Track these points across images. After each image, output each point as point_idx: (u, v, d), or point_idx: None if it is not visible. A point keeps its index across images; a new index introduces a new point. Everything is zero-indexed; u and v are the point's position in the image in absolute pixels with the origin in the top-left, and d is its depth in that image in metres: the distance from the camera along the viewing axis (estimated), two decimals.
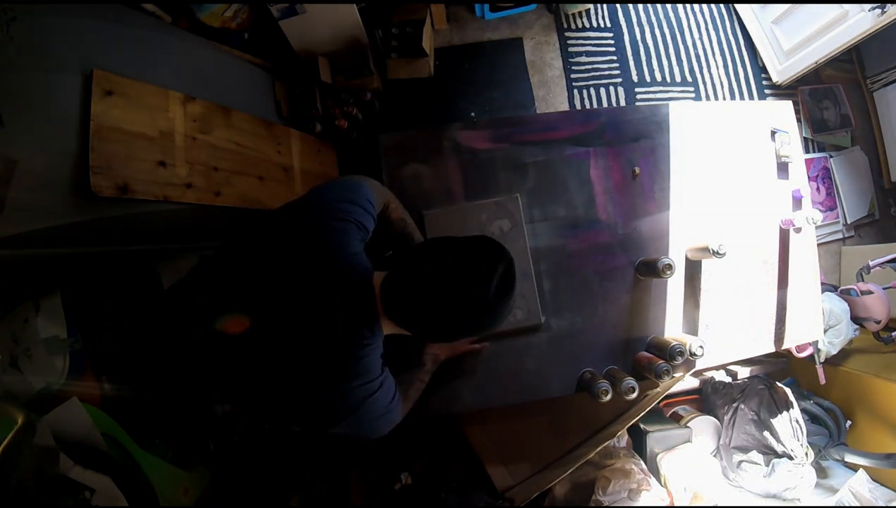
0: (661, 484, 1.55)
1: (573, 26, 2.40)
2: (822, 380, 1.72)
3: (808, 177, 2.21)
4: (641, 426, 1.66)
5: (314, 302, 0.80)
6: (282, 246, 0.83)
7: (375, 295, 0.81)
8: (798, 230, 1.37)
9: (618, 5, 2.42)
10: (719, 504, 1.53)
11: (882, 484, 1.61)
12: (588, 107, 2.31)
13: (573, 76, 2.35)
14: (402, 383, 0.99)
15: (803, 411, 1.72)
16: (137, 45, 1.39)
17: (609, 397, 1.14)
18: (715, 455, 1.75)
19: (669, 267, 1.17)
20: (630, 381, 1.13)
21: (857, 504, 1.54)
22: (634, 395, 1.13)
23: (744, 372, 1.89)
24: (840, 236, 2.44)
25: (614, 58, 2.38)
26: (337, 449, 1.59)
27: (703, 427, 1.75)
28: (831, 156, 2.43)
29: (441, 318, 0.77)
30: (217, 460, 1.50)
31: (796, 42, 2.22)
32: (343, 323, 0.79)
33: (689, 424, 1.72)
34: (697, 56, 2.42)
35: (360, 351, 0.80)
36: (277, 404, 0.92)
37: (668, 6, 2.44)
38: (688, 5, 2.46)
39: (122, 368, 1.41)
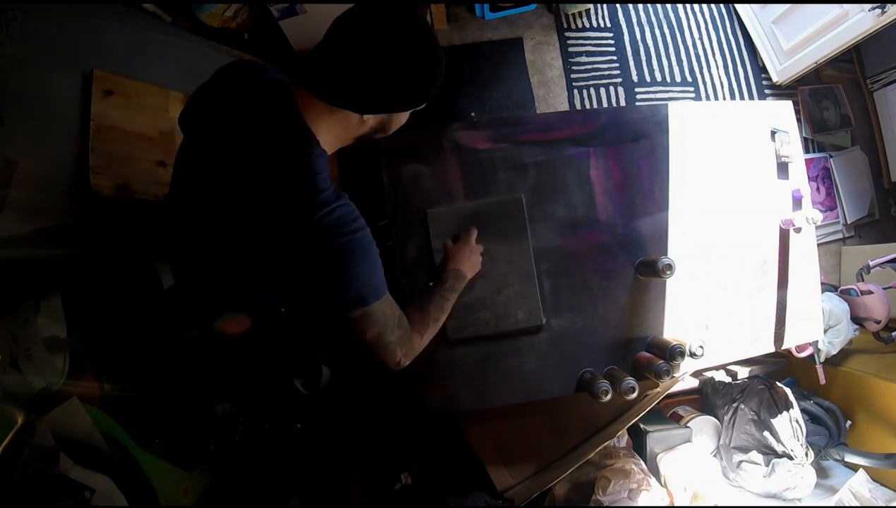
0: (661, 484, 1.55)
1: (573, 26, 2.40)
2: (822, 380, 1.72)
3: (808, 177, 2.21)
4: (641, 426, 1.66)
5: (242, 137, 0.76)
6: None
7: (294, 98, 0.76)
8: (798, 230, 1.37)
9: (618, 5, 2.42)
10: (719, 504, 1.53)
11: (882, 484, 1.61)
12: (588, 107, 2.31)
13: (573, 76, 2.35)
14: (416, 302, 0.95)
15: (803, 411, 1.72)
16: (137, 45, 1.40)
17: (609, 397, 1.14)
18: (715, 455, 1.75)
19: (669, 267, 1.17)
20: (630, 381, 1.13)
21: (857, 504, 1.54)
22: (634, 395, 1.13)
23: (744, 372, 1.89)
24: (840, 236, 2.44)
25: (614, 58, 2.38)
26: (337, 449, 1.59)
27: (703, 427, 1.75)
28: (831, 156, 2.43)
29: (383, 64, 0.70)
30: (217, 460, 1.49)
31: (796, 42, 2.22)
32: (273, 143, 0.75)
33: (689, 424, 1.72)
34: (697, 56, 2.42)
35: (311, 164, 0.75)
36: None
37: (668, 6, 2.44)
38: (688, 5, 2.45)
39: (122, 368, 1.41)
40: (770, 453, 1.63)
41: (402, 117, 0.88)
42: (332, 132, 0.79)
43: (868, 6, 1.85)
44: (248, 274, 0.83)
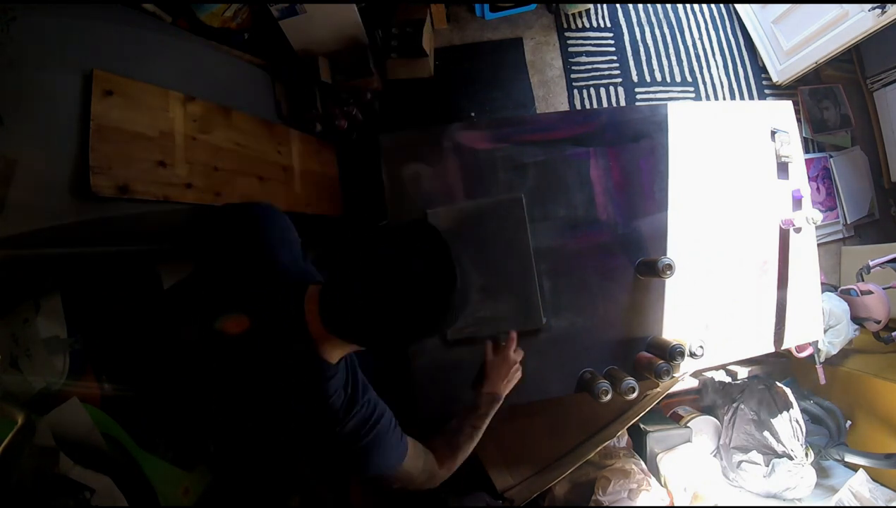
0: (661, 484, 1.55)
1: (573, 26, 2.39)
2: (822, 380, 1.72)
3: (808, 177, 2.21)
4: (641, 426, 1.66)
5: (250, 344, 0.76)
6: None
7: (306, 318, 0.73)
8: (798, 230, 1.37)
9: (618, 5, 2.42)
10: (719, 504, 1.53)
11: (882, 484, 1.61)
12: (588, 107, 2.31)
13: (573, 76, 2.35)
14: (446, 433, 0.94)
15: (803, 411, 1.72)
16: (137, 45, 1.39)
17: (609, 397, 1.14)
18: (715, 455, 1.75)
19: (669, 267, 1.17)
20: (630, 381, 1.13)
21: (857, 504, 1.54)
22: (634, 395, 1.13)
23: (744, 372, 1.89)
24: (840, 236, 2.44)
25: (614, 58, 2.38)
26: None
27: (703, 427, 1.75)
28: (831, 156, 2.43)
29: (381, 318, 0.68)
30: (217, 460, 1.49)
31: (796, 42, 2.22)
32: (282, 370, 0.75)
33: (689, 424, 1.72)
34: (697, 56, 2.42)
35: (322, 389, 0.74)
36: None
37: (668, 6, 2.44)
38: (688, 5, 2.45)
39: (122, 368, 1.41)
40: (770, 453, 1.63)
41: None
42: (346, 349, 0.77)
43: (868, 6, 1.85)
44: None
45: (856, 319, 1.75)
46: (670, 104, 1.37)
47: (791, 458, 1.59)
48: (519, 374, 1.08)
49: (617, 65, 2.38)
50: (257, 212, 0.90)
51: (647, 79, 2.38)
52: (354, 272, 0.68)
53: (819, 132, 2.43)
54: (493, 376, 1.03)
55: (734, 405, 1.73)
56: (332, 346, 0.74)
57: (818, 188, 2.41)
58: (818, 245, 1.49)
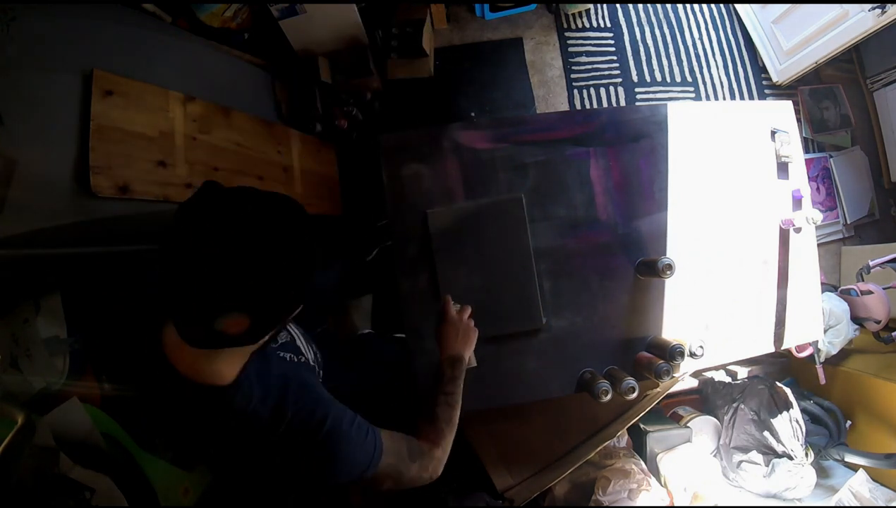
0: (661, 484, 1.55)
1: (573, 26, 2.39)
2: (822, 380, 1.72)
3: (808, 177, 2.21)
4: (641, 426, 1.66)
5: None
6: None
7: (165, 352, 0.69)
8: (798, 230, 1.37)
9: (618, 5, 2.42)
10: (719, 504, 1.53)
11: (882, 484, 1.61)
12: (588, 107, 2.31)
13: (573, 76, 2.35)
14: (422, 413, 0.90)
15: (803, 411, 1.72)
16: (137, 45, 1.39)
17: (609, 397, 1.14)
18: (715, 455, 1.75)
19: (669, 267, 1.17)
20: (630, 381, 1.13)
21: (857, 504, 1.54)
22: (634, 395, 1.13)
23: (744, 372, 1.90)
24: (840, 236, 2.43)
25: (614, 58, 2.38)
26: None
27: (703, 427, 1.75)
28: (831, 156, 2.43)
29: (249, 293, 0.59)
30: (217, 460, 1.49)
31: (796, 42, 2.22)
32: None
33: (689, 424, 1.72)
34: (697, 56, 2.42)
35: (232, 413, 0.68)
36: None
37: (668, 6, 2.44)
38: (688, 5, 2.45)
39: (122, 368, 1.40)
40: (770, 453, 1.63)
41: None
42: (235, 361, 0.69)
43: (868, 6, 1.85)
44: None
45: (856, 319, 1.75)
46: (670, 104, 1.37)
47: (791, 458, 1.59)
48: (474, 331, 1.05)
49: (617, 65, 2.38)
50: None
51: (647, 79, 2.38)
52: (170, 271, 0.62)
53: (819, 132, 2.43)
54: (444, 342, 1.02)
55: (734, 405, 1.73)
56: (214, 372, 0.68)
57: (818, 188, 2.41)
58: (818, 245, 1.49)
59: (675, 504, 1.50)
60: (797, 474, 1.57)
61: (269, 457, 0.73)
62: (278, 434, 0.70)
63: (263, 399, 0.70)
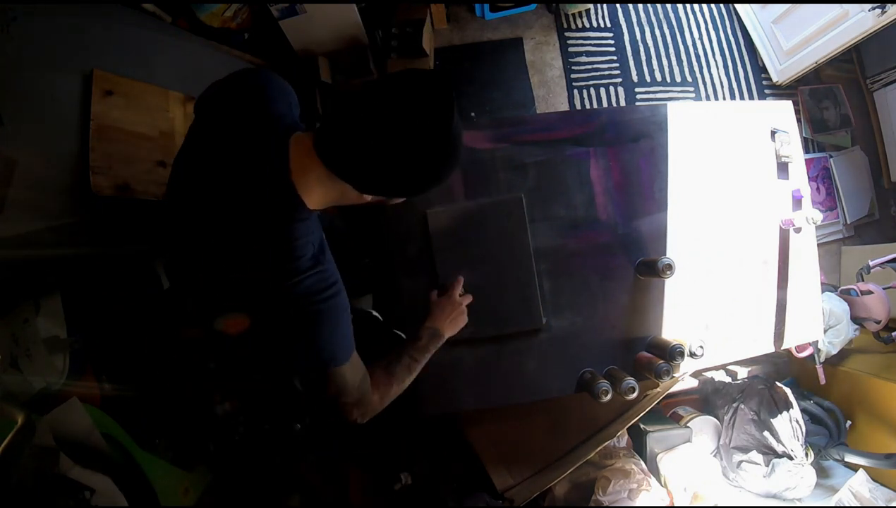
0: (661, 484, 1.55)
1: (573, 26, 2.40)
2: (822, 380, 1.72)
3: (808, 177, 2.21)
4: (641, 426, 1.66)
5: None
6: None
7: (289, 154, 0.73)
8: (798, 230, 1.37)
9: (618, 5, 2.42)
10: (719, 504, 1.53)
11: (882, 484, 1.61)
12: (588, 107, 2.31)
13: (573, 76, 2.35)
14: (384, 360, 0.93)
15: (803, 411, 1.72)
16: (137, 45, 1.40)
17: (609, 397, 1.14)
18: (715, 455, 1.75)
19: (669, 267, 1.17)
20: (630, 381, 1.13)
21: (857, 504, 1.54)
22: (634, 395, 1.13)
23: (744, 372, 1.90)
24: (840, 236, 2.44)
25: (614, 58, 2.38)
26: (337, 448, 1.59)
27: (703, 427, 1.75)
28: (831, 156, 2.43)
29: (397, 156, 0.66)
30: (217, 460, 1.49)
31: (796, 42, 2.22)
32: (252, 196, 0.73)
33: (689, 424, 1.72)
34: (697, 56, 2.42)
35: (291, 228, 0.73)
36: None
37: (668, 6, 2.44)
38: (688, 5, 2.46)
39: (122, 368, 1.41)
40: (770, 453, 1.63)
41: None
42: (329, 196, 0.76)
43: (868, 6, 1.85)
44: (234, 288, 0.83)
45: (856, 319, 1.75)
46: (670, 104, 1.37)
47: (791, 458, 1.59)
48: (464, 318, 1.11)
49: (617, 65, 2.38)
50: (261, 82, 0.84)
51: (647, 79, 2.38)
52: (353, 107, 0.67)
53: (819, 132, 2.43)
54: (436, 313, 1.07)
55: (734, 405, 1.73)
56: (312, 192, 0.74)
57: (818, 188, 2.41)
58: (818, 245, 1.48)
59: (675, 504, 1.50)
60: (797, 474, 1.57)
61: (284, 306, 0.75)
62: (302, 278, 0.73)
63: (313, 243, 0.76)
